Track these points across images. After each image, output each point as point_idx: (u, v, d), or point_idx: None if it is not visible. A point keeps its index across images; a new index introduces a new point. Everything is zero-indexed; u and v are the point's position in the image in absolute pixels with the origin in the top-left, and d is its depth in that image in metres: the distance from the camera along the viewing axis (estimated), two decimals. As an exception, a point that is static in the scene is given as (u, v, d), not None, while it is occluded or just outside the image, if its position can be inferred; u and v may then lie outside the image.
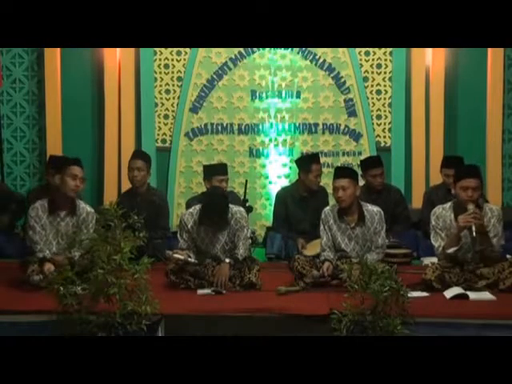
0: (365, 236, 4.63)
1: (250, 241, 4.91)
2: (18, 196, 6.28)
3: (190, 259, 4.44)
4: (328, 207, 4.79)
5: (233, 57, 6.76)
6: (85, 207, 4.68)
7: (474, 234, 4.28)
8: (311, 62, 6.78)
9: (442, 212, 4.54)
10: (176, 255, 4.42)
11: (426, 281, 4.34)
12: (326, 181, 6.54)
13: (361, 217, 4.62)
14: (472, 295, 4.16)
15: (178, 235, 4.67)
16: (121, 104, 6.75)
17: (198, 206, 4.69)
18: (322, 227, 4.70)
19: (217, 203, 4.59)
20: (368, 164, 5.87)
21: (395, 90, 6.73)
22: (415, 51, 6.67)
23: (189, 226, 4.61)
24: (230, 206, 4.65)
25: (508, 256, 4.90)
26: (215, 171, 5.58)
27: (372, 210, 4.64)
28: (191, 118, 6.80)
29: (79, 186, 4.62)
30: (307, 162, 5.80)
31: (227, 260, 4.50)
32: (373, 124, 6.78)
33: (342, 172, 4.71)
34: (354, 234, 4.64)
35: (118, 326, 3.43)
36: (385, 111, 6.79)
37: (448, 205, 4.56)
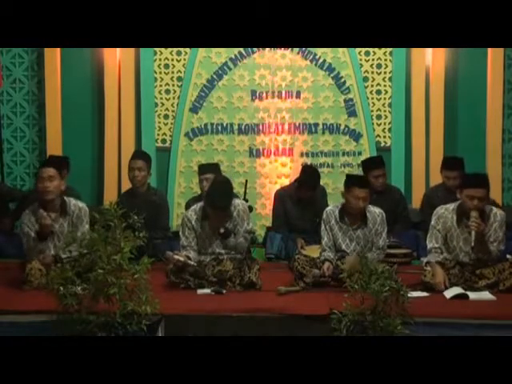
0: (366, 237, 4.63)
1: (251, 235, 4.91)
2: (17, 193, 6.24)
3: (189, 261, 4.44)
4: (330, 207, 4.78)
5: (233, 57, 6.76)
6: (76, 204, 4.63)
7: (473, 243, 4.27)
8: (311, 62, 6.77)
9: (444, 213, 4.53)
10: (176, 256, 4.42)
11: (425, 283, 4.34)
12: (326, 181, 6.56)
13: (363, 218, 4.62)
14: (472, 295, 4.15)
15: (180, 233, 4.69)
16: (121, 104, 6.74)
17: (200, 203, 4.73)
18: (323, 227, 4.69)
19: (222, 186, 4.66)
20: (370, 165, 5.86)
21: (395, 90, 6.73)
22: (415, 51, 6.67)
23: (193, 222, 4.63)
24: (233, 198, 4.71)
25: (508, 256, 4.90)
26: (201, 170, 5.80)
27: (374, 211, 4.64)
28: (191, 117, 6.80)
29: (48, 187, 4.48)
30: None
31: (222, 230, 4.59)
32: (373, 124, 6.78)
33: (364, 183, 4.66)
34: (356, 235, 4.64)
35: (117, 325, 3.43)
36: (385, 111, 6.79)
37: (451, 206, 4.53)
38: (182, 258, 4.40)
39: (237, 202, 4.74)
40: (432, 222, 4.55)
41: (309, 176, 5.75)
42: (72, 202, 4.64)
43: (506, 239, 4.53)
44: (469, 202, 4.33)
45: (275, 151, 6.82)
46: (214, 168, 5.77)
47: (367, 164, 5.93)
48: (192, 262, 4.44)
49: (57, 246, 4.55)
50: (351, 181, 4.64)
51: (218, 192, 4.57)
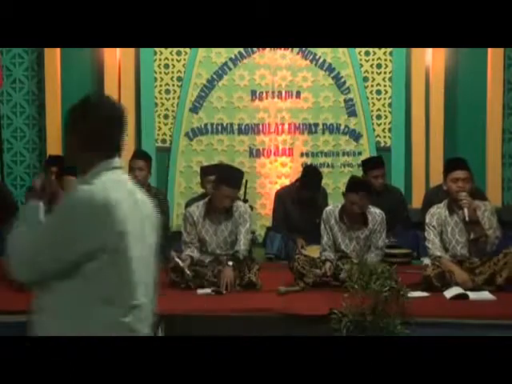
0: (365, 237, 4.64)
1: (252, 235, 4.93)
2: (12, 202, 6.11)
3: (186, 271, 4.43)
4: (330, 207, 4.80)
5: (233, 57, 6.76)
6: None
7: (467, 218, 4.32)
8: (311, 62, 6.78)
9: (437, 210, 4.62)
10: (177, 259, 4.44)
11: (425, 277, 4.34)
12: (326, 181, 6.56)
13: (363, 219, 4.62)
14: (472, 295, 4.16)
15: (182, 229, 4.73)
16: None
17: (203, 201, 4.76)
18: (322, 226, 4.71)
19: (234, 168, 4.92)
20: (370, 164, 5.86)
21: (395, 90, 6.73)
22: (415, 51, 6.67)
23: (194, 218, 4.66)
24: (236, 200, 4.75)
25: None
26: (204, 172, 5.75)
27: (374, 212, 4.65)
28: (191, 117, 6.80)
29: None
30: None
31: (230, 263, 4.50)
32: (373, 124, 6.78)
33: (360, 188, 4.64)
34: (355, 235, 4.65)
35: (118, 325, 3.42)
36: (385, 111, 6.79)
37: (443, 203, 4.64)
38: (181, 263, 4.41)
39: (239, 203, 4.75)
40: (426, 220, 4.63)
41: (311, 177, 5.75)
42: None
43: (505, 238, 4.58)
44: (454, 185, 4.44)
45: (275, 151, 6.82)
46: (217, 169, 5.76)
47: (367, 164, 5.93)
48: (188, 272, 4.43)
49: None
50: (348, 186, 4.65)
51: (230, 170, 4.79)
